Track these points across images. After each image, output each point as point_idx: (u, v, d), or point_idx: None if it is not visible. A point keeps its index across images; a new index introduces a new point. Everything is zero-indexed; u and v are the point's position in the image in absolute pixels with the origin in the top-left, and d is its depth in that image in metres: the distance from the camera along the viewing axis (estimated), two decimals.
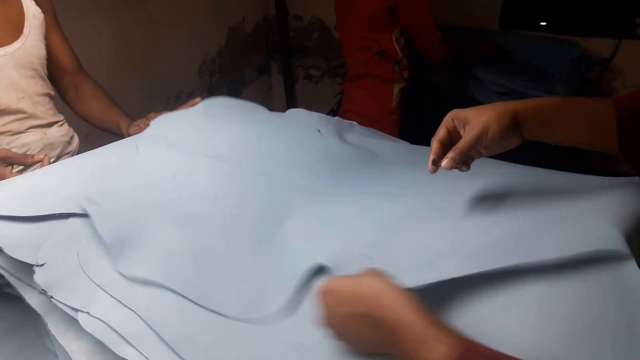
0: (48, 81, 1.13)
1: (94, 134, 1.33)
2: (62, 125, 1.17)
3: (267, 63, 3.03)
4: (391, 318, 0.48)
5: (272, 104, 3.05)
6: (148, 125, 0.98)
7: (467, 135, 0.67)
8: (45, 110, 1.11)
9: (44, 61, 1.11)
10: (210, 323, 0.60)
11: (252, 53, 2.88)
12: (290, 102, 3.04)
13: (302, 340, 0.58)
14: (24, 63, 1.05)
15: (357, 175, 0.94)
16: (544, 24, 2.23)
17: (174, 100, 2.32)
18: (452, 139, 0.71)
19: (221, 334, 0.59)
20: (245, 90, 2.87)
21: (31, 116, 1.08)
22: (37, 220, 0.67)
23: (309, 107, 1.20)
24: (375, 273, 0.53)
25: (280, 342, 0.58)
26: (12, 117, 1.05)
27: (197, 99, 1.05)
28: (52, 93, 1.16)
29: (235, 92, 2.78)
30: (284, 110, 1.16)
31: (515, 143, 0.71)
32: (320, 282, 0.55)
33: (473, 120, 0.68)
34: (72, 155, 1.17)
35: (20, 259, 0.63)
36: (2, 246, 0.63)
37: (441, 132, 0.71)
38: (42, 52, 1.10)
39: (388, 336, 0.49)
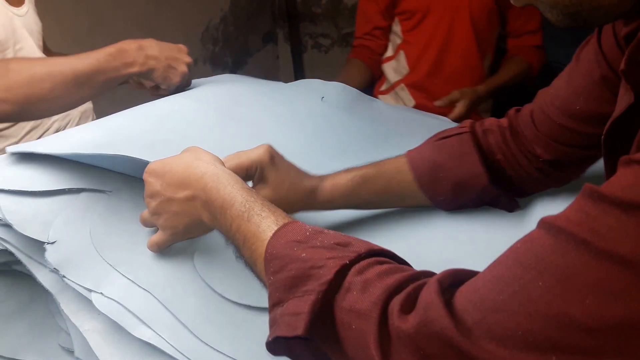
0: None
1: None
2: None
3: (273, 30, 2.99)
4: (221, 196, 0.54)
5: (279, 75, 3.01)
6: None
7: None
8: None
9: (42, 32, 1.11)
10: (228, 303, 0.60)
11: (257, 19, 2.83)
12: (298, 72, 3.00)
13: None
14: (33, 30, 1.05)
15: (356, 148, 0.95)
16: None
17: None
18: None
19: (238, 316, 0.59)
20: (251, 60, 2.83)
21: None
22: (47, 195, 0.67)
23: (319, 78, 1.18)
24: (197, 152, 0.60)
25: None
26: None
27: None
28: None
29: (239, 61, 2.74)
30: (291, 81, 1.16)
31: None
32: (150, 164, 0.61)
33: (264, 188, 0.66)
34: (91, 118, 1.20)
35: (30, 236, 0.63)
36: (12, 222, 0.62)
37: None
38: (39, 22, 1.10)
39: (216, 214, 0.55)
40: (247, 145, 0.84)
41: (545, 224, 0.37)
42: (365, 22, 1.59)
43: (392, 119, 1.09)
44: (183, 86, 0.97)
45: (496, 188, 0.72)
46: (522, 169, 0.72)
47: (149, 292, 0.60)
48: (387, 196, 0.74)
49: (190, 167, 0.58)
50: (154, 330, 0.57)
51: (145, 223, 0.65)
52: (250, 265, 0.52)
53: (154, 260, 0.64)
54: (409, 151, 0.76)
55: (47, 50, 1.18)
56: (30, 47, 1.03)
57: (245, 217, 0.52)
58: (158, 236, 0.63)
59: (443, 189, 0.73)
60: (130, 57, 0.87)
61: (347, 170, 0.73)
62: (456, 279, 0.41)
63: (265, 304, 0.58)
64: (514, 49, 1.54)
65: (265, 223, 0.50)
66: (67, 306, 0.62)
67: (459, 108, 1.32)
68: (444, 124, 1.14)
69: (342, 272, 0.44)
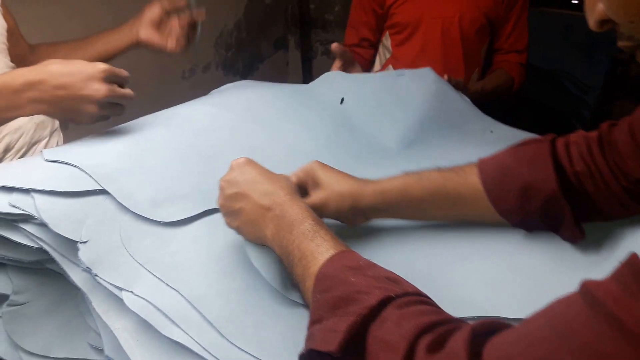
0: (9, 57, 1.02)
1: None
2: None
3: (285, 37, 3.02)
4: (295, 214, 0.58)
5: (288, 81, 3.03)
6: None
7: (310, 202, 0.67)
8: None
9: (6, 33, 1.01)
10: (254, 304, 0.61)
11: (270, 26, 2.86)
12: (307, 78, 3.02)
13: None
14: None
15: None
16: (576, 1, 2.21)
17: (189, 73, 2.32)
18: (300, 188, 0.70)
19: (265, 315, 0.60)
20: (261, 66, 2.86)
21: None
22: (79, 195, 0.69)
23: None
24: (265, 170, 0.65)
25: None
26: None
27: None
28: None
29: (251, 67, 2.77)
30: None
31: (362, 221, 0.73)
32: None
33: (318, 191, 0.69)
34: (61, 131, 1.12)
35: (64, 234, 0.65)
36: (47, 221, 0.64)
37: (293, 178, 0.70)
38: (3, 22, 1.01)
39: (282, 229, 0.58)
40: (271, 148, 0.86)
41: (584, 289, 0.35)
42: (355, 34, 1.59)
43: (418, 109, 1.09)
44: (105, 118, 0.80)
45: (565, 199, 0.65)
46: (605, 185, 0.64)
47: (177, 291, 0.62)
48: (446, 202, 0.70)
49: (274, 180, 0.63)
50: (182, 330, 0.58)
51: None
52: (300, 281, 0.55)
53: (182, 259, 0.65)
54: (481, 158, 0.72)
55: (30, 46, 1.11)
56: None
57: (310, 236, 0.55)
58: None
59: (509, 194, 0.68)
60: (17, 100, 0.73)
61: (400, 175, 0.71)
62: (491, 328, 0.40)
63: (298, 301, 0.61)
64: (500, 63, 1.57)
65: (324, 246, 0.54)
66: (99, 305, 0.63)
67: None
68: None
69: (384, 303, 0.45)
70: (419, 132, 1.04)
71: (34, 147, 1.03)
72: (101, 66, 0.72)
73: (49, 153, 0.73)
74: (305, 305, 0.60)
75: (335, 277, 0.49)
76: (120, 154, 0.76)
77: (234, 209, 0.63)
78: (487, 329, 0.40)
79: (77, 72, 0.72)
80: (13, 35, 1.04)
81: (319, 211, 0.67)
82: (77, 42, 1.11)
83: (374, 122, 1.03)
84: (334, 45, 1.18)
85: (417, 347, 0.40)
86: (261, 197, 0.61)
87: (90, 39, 1.11)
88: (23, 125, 1.02)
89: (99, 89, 0.72)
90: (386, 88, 1.10)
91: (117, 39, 1.10)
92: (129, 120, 0.87)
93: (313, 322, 0.49)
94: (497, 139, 1.06)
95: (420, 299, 0.47)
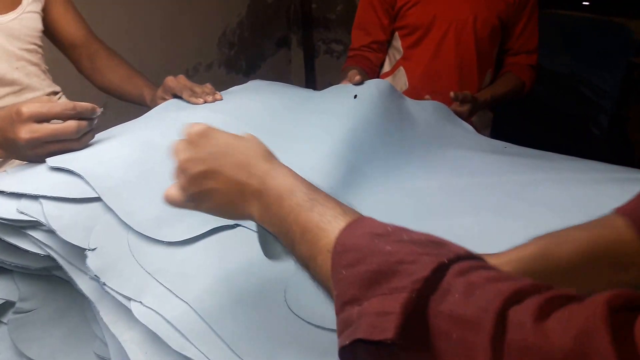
0: (41, 54, 1.13)
1: (111, 104, 1.34)
2: (60, 97, 1.17)
3: (287, 36, 3.01)
4: (280, 184, 0.49)
5: (291, 79, 3.03)
6: (164, 98, 1.04)
7: None
8: (39, 81, 1.11)
9: (39, 34, 1.11)
10: (268, 319, 0.60)
11: (272, 25, 2.86)
12: (310, 77, 3.02)
13: None
14: (19, 35, 1.06)
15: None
16: (587, 3, 2.20)
17: (192, 71, 2.31)
18: None
19: (280, 332, 0.59)
20: (264, 65, 2.86)
21: (27, 87, 1.08)
22: (87, 202, 0.68)
23: (329, 83, 1.18)
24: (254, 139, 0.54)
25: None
26: (8, 89, 1.05)
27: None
28: (46, 67, 1.16)
29: (253, 65, 2.77)
30: (302, 86, 1.16)
31: None
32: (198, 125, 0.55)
33: None
34: None
35: (72, 242, 0.64)
36: (55, 228, 0.63)
37: None
38: (39, 25, 1.10)
39: (270, 204, 0.49)
40: (283, 155, 0.85)
41: None
42: (365, 35, 1.57)
43: (429, 122, 1.10)
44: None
45: None
46: None
47: (187, 303, 0.61)
48: (593, 264, 0.55)
49: (246, 147, 0.53)
50: (191, 343, 0.57)
51: (172, 195, 0.55)
52: (306, 260, 0.46)
53: (192, 270, 0.65)
54: (618, 208, 0.58)
55: (92, 41, 1.21)
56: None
57: (307, 206, 0.46)
58: (177, 193, 0.55)
59: None
60: None
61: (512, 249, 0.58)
62: (631, 303, 0.32)
63: (312, 320, 0.59)
64: (510, 66, 1.55)
65: (330, 214, 0.45)
66: (106, 315, 0.63)
67: (465, 108, 1.31)
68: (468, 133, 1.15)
69: (440, 271, 0.37)
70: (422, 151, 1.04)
71: None
72: (23, 109, 0.71)
73: (54, 160, 0.72)
74: (330, 329, 0.57)
75: (363, 247, 0.41)
76: (127, 163, 0.75)
77: (203, 191, 0.52)
78: (626, 302, 0.31)
79: (6, 116, 0.73)
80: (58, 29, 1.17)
81: None
82: (131, 72, 1.20)
83: (379, 137, 1.02)
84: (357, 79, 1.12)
85: (511, 321, 0.32)
86: (235, 171, 0.51)
87: (138, 77, 1.19)
88: None
89: (21, 132, 0.72)
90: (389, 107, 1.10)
91: (142, 93, 1.15)
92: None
93: (345, 304, 0.40)
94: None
95: (480, 263, 0.38)
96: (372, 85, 1.08)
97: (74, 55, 1.21)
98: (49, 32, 1.17)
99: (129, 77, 1.18)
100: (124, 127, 0.89)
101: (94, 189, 0.69)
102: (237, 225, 0.71)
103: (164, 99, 1.06)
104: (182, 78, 1.06)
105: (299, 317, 0.60)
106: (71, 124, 0.73)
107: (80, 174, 0.70)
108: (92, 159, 0.75)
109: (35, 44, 1.10)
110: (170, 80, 1.05)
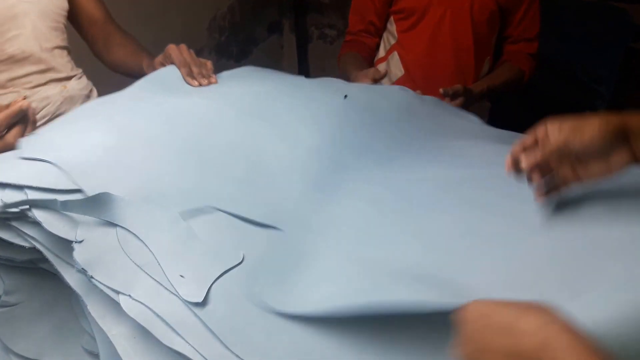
0: (66, 35, 1.16)
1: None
2: (80, 78, 1.20)
3: (280, 20, 2.98)
4: None
5: (283, 65, 3.00)
6: (163, 64, 1.04)
7: (559, 135, 0.61)
8: (64, 62, 1.14)
9: (65, 13, 1.15)
10: (259, 312, 0.59)
11: (264, 9, 2.82)
12: (302, 63, 2.99)
13: (357, 339, 0.56)
14: (48, 12, 1.09)
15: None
16: None
17: None
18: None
19: (271, 325, 0.58)
20: (255, 50, 2.82)
21: (51, 69, 1.11)
22: (74, 193, 0.66)
23: (322, 69, 1.18)
24: (541, 309, 0.44)
25: (333, 339, 0.57)
26: (35, 67, 1.08)
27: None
28: (69, 47, 1.19)
29: (244, 51, 2.73)
30: (294, 72, 1.15)
31: (622, 162, 0.60)
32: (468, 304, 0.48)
33: (567, 122, 0.61)
34: None
35: (58, 234, 0.62)
36: (40, 220, 0.62)
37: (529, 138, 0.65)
38: (65, 3, 1.14)
39: None
40: (271, 145, 0.84)
41: None
42: (361, 19, 1.55)
43: (418, 114, 1.08)
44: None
45: None
46: None
47: (177, 296, 0.59)
48: None
49: (523, 313, 0.44)
50: (182, 338, 0.56)
51: None
52: None
53: None
54: None
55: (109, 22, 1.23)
56: (28, 34, 1.04)
57: None
58: None
59: None
60: None
61: None
62: None
63: (300, 311, 0.58)
64: (509, 55, 1.53)
65: None
66: (94, 309, 0.61)
67: (457, 103, 1.30)
68: (471, 123, 1.15)
69: None
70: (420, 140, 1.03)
71: (57, 119, 1.05)
72: None
73: (28, 143, 0.69)
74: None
75: None
76: (107, 152, 0.72)
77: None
78: None
79: None
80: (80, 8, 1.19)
81: (575, 137, 0.59)
82: (137, 49, 1.21)
83: (376, 124, 1.01)
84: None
85: None
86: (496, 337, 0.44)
87: (142, 52, 1.19)
88: (51, 96, 1.11)
89: None
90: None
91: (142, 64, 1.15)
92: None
93: None
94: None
95: None
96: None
97: (91, 33, 1.24)
98: (72, 11, 1.19)
99: (134, 53, 1.19)
100: (109, 103, 0.87)
101: (74, 181, 0.67)
102: (232, 214, 0.70)
103: (163, 66, 1.06)
104: (184, 49, 1.05)
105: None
106: None
107: (57, 164, 0.68)
108: (69, 148, 0.72)
109: (62, 24, 1.13)
110: (172, 50, 1.04)
